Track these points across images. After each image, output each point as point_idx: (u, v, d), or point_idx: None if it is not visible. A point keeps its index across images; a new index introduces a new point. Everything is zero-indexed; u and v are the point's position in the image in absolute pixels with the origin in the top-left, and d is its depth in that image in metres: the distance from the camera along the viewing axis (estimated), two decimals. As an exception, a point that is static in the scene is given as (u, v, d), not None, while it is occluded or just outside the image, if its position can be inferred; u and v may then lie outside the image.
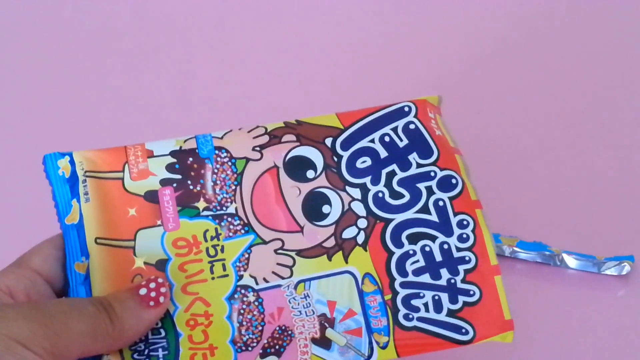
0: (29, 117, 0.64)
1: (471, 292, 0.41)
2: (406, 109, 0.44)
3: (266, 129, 0.44)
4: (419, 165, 0.43)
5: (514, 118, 0.64)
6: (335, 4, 0.70)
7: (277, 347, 0.40)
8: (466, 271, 0.41)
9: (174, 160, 0.43)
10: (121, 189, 0.42)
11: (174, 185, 0.42)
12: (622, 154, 0.62)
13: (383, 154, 0.43)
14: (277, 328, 0.40)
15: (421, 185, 0.42)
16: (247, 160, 0.43)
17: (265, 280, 0.41)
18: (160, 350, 0.40)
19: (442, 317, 0.41)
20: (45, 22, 0.68)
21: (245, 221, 0.42)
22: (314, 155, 0.43)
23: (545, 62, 0.67)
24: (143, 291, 0.39)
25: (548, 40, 0.69)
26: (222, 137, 0.43)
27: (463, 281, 0.41)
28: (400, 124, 0.44)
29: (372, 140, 0.43)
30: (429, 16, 0.69)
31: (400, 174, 0.43)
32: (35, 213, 0.52)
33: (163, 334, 0.40)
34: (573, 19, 0.69)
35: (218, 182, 0.42)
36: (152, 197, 0.42)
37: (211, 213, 0.42)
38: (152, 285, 0.39)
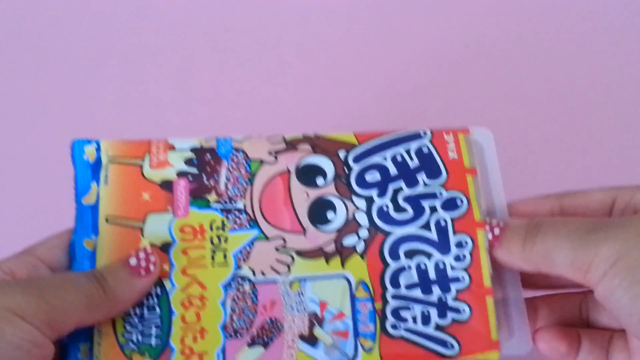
0: (25, 113, 0.65)
1: (461, 310, 0.42)
2: (422, 133, 0.45)
3: (284, 138, 0.46)
4: (426, 185, 0.44)
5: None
6: (337, 5, 0.71)
7: (265, 338, 0.41)
8: (458, 290, 0.42)
9: (193, 155, 0.45)
10: (139, 174, 0.44)
11: (190, 178, 0.44)
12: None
13: (393, 171, 0.44)
14: (268, 320, 0.41)
15: (425, 204, 0.44)
16: (262, 162, 0.45)
17: (263, 274, 0.42)
18: (153, 327, 0.41)
19: (429, 330, 0.41)
20: (46, 21, 0.70)
21: (252, 217, 0.43)
22: (326, 164, 0.45)
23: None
24: (133, 261, 0.40)
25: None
26: (241, 141, 0.45)
27: (454, 299, 0.42)
28: (413, 146, 0.45)
29: (384, 158, 0.45)
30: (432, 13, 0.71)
31: (407, 191, 0.44)
32: (45, 209, 0.53)
33: (158, 311, 0.41)
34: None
35: (231, 179, 0.44)
36: (167, 186, 0.44)
37: (220, 206, 0.43)
38: (142, 255, 0.41)
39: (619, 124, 0.68)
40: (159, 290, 0.42)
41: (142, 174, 0.44)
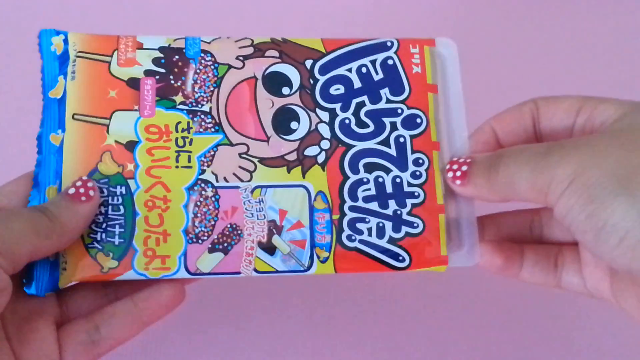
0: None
1: (415, 225, 0.43)
2: (389, 44, 0.46)
3: (253, 41, 0.46)
4: (388, 101, 0.45)
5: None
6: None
7: (225, 244, 0.43)
8: (413, 205, 0.44)
9: (161, 55, 0.45)
10: (106, 71, 0.44)
11: (157, 77, 0.44)
12: None
13: (357, 84, 0.45)
14: (229, 226, 0.43)
15: (386, 120, 0.45)
16: (229, 67, 0.45)
17: (226, 180, 0.43)
18: (117, 226, 0.42)
19: (383, 242, 0.43)
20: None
21: (217, 121, 0.44)
22: (292, 73, 0.45)
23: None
24: (71, 190, 0.41)
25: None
26: (210, 42, 0.46)
27: (409, 214, 0.44)
28: (379, 57, 0.46)
29: (350, 70, 0.45)
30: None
31: (369, 106, 0.45)
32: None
33: (122, 210, 0.42)
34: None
35: (198, 81, 0.44)
36: (134, 84, 0.44)
37: (186, 108, 0.44)
38: (79, 183, 0.42)
39: (584, 36, 0.69)
40: (123, 190, 0.43)
41: (109, 71, 0.44)
